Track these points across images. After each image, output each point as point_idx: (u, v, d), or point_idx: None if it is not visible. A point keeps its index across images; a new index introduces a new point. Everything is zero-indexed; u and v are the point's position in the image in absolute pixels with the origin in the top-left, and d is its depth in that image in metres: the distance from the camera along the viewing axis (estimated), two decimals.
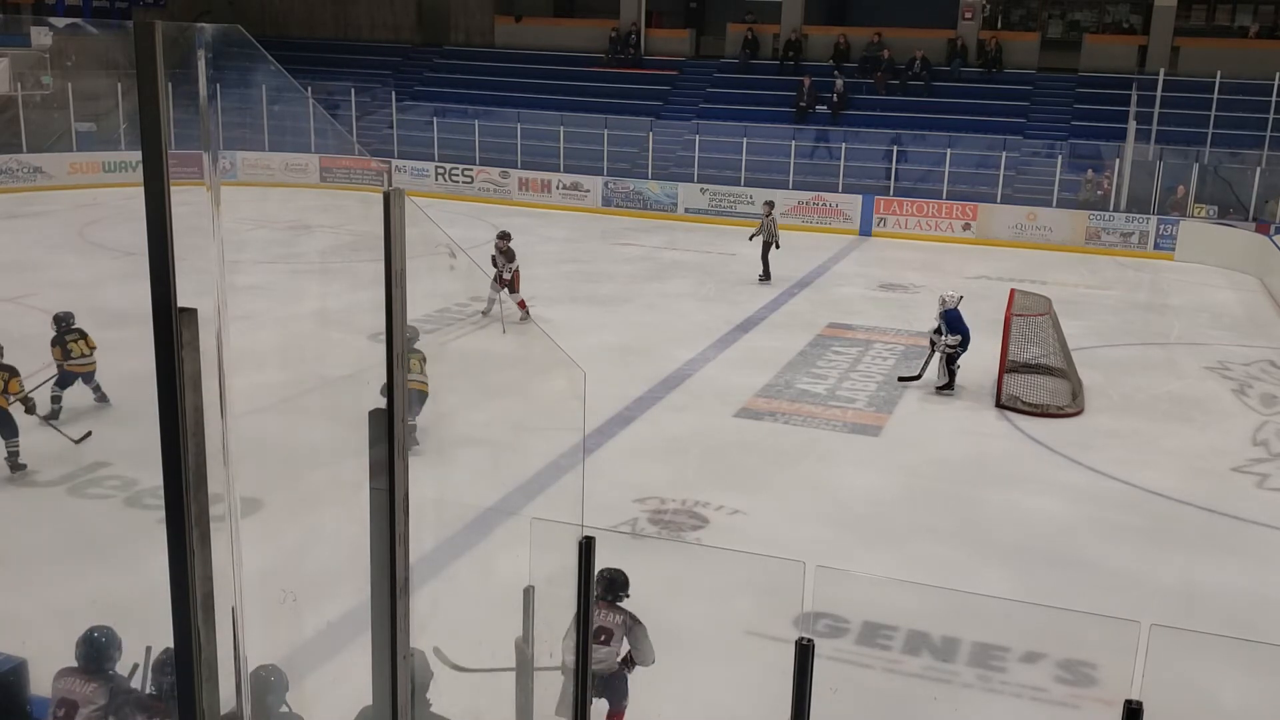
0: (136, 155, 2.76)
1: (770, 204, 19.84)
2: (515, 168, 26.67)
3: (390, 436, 2.90)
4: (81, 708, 4.85)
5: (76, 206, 22.33)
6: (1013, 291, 14.07)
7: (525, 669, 4.45)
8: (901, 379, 13.40)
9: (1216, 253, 21.70)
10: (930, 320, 13.71)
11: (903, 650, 7.54)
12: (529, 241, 21.84)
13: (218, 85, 2.97)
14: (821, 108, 26.91)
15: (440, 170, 27.05)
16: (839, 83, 26.88)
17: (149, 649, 4.88)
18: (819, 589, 7.06)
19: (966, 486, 10.51)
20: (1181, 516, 10.08)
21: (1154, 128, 23.38)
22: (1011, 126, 25.88)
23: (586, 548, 4.09)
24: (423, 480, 3.19)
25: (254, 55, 3.35)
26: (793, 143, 25.42)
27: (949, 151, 24.40)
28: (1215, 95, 23.76)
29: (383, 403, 2.94)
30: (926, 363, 13.33)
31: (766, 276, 18.87)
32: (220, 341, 3.08)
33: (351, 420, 3.22)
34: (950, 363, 13.01)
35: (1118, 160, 23.69)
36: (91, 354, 11.16)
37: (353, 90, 28.52)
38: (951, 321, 13.00)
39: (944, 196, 24.09)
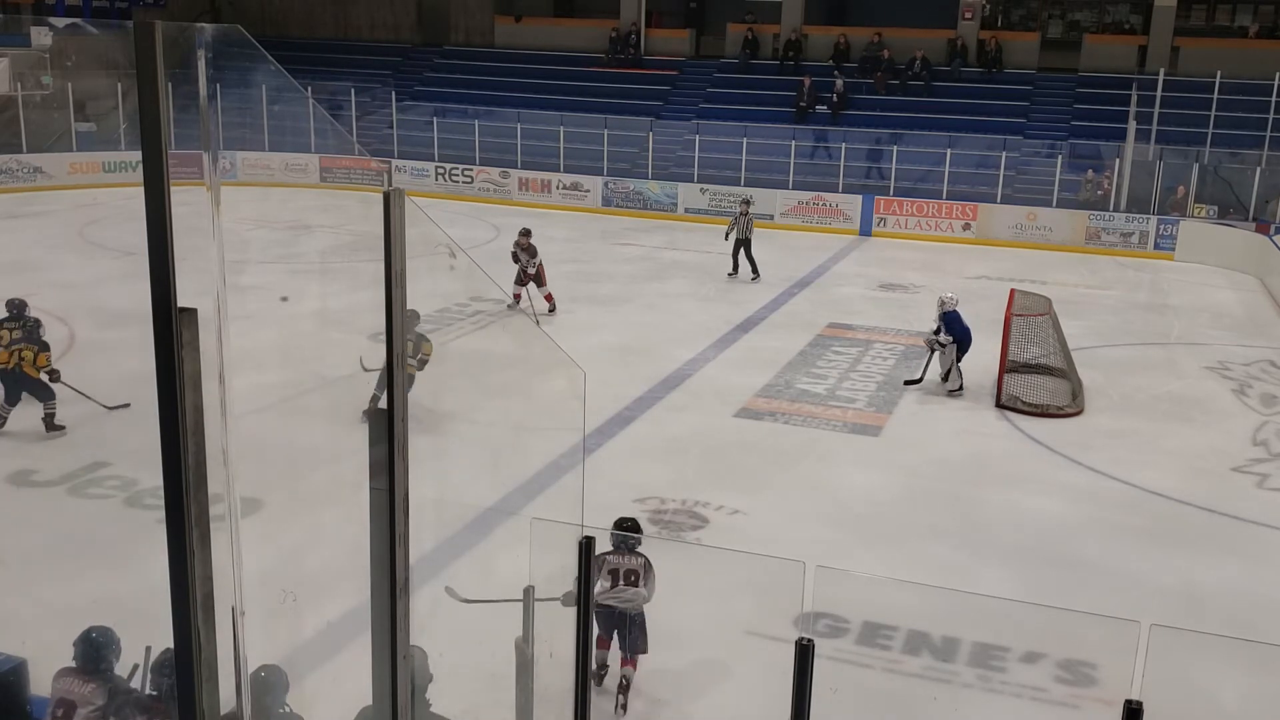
0: (136, 155, 2.76)
1: (747, 201, 19.90)
2: (515, 168, 26.67)
3: (390, 436, 2.90)
4: (80, 708, 4.85)
5: (76, 206, 22.33)
6: (1013, 291, 14.08)
7: (525, 669, 4.45)
8: (907, 383, 13.39)
9: (1216, 253, 21.70)
10: (930, 321, 13.72)
11: (903, 650, 7.54)
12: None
13: (218, 85, 2.97)
14: (821, 108, 26.91)
15: (440, 170, 27.05)
16: (839, 83, 26.88)
17: (149, 649, 4.88)
18: (819, 589, 7.06)
19: (966, 486, 10.51)
20: (1181, 516, 10.08)
21: (1154, 128, 23.37)
22: (1011, 126, 25.88)
23: (586, 548, 4.09)
24: (423, 480, 3.19)
25: (254, 55, 3.35)
26: (793, 143, 25.41)
27: (949, 151, 24.39)
28: (1215, 95, 23.75)
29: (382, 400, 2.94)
30: (927, 364, 13.33)
31: (734, 272, 19.01)
32: (220, 341, 3.08)
33: (351, 420, 3.22)
34: (956, 361, 13.00)
35: (1118, 160, 23.69)
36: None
37: (353, 90, 28.52)
38: (950, 323, 13.00)
39: (944, 196, 24.09)
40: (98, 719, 4.85)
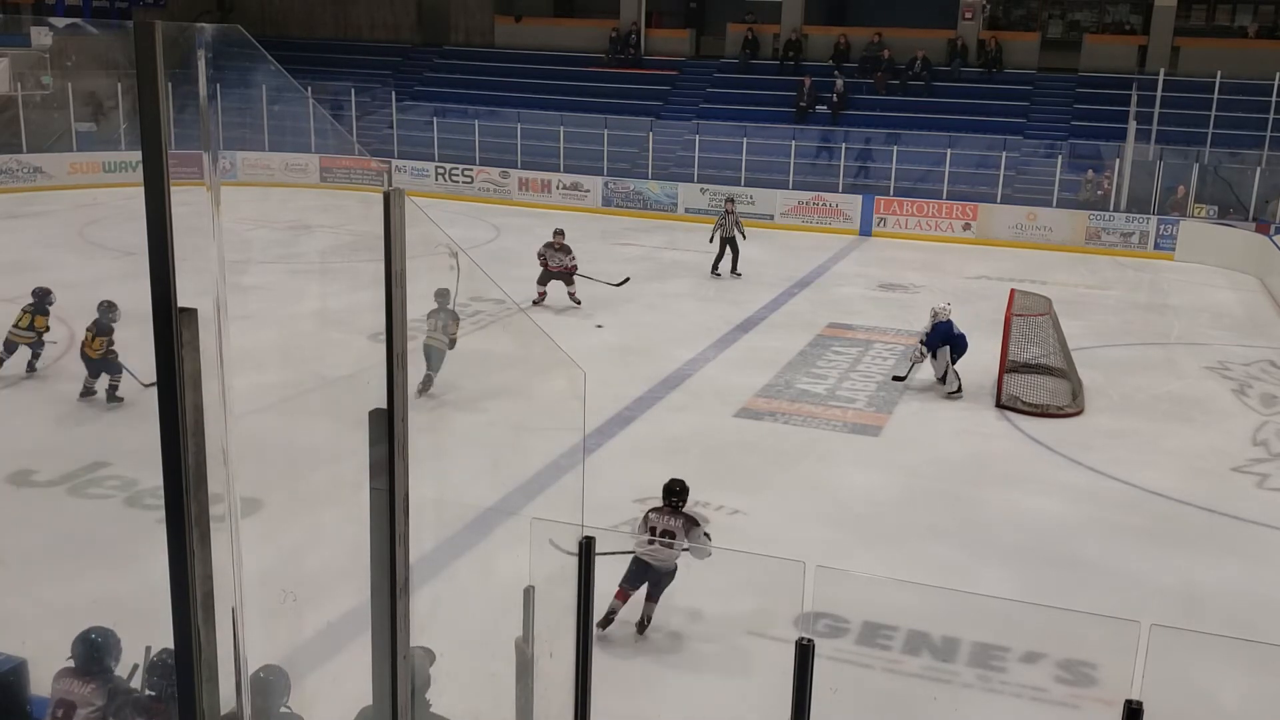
0: (136, 155, 2.76)
1: (731, 200, 20.17)
2: (515, 168, 26.67)
3: (390, 436, 2.90)
4: (80, 708, 4.85)
5: (76, 206, 22.32)
6: (1013, 291, 14.08)
7: (525, 669, 4.45)
8: (895, 378, 13.42)
9: (1216, 253, 21.70)
10: (921, 322, 13.76)
11: (903, 650, 7.54)
12: (529, 241, 21.82)
13: (218, 85, 2.97)
14: (821, 108, 26.90)
15: (440, 170, 27.05)
16: (839, 83, 26.87)
17: (149, 649, 4.88)
18: (819, 589, 7.06)
19: (966, 486, 10.51)
20: (1181, 516, 10.08)
21: (1154, 128, 23.37)
22: (1011, 126, 25.88)
23: (586, 548, 4.09)
24: (423, 480, 3.19)
25: (254, 55, 3.35)
26: (793, 143, 25.40)
27: (949, 151, 24.38)
28: (1215, 95, 23.74)
29: (382, 400, 2.94)
30: (911, 366, 13.32)
31: (715, 270, 19.18)
32: (220, 341, 3.08)
33: (351, 420, 3.22)
34: (951, 364, 13.00)
35: (1118, 160, 23.68)
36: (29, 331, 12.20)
37: (353, 90, 28.51)
38: (937, 333, 12.99)
39: (944, 196, 24.08)
40: (98, 719, 4.85)
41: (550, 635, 4.31)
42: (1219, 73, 23.84)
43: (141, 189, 2.70)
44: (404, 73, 31.39)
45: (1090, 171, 24.02)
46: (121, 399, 11.50)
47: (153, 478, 2.88)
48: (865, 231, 24.12)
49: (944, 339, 12.94)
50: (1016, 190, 24.29)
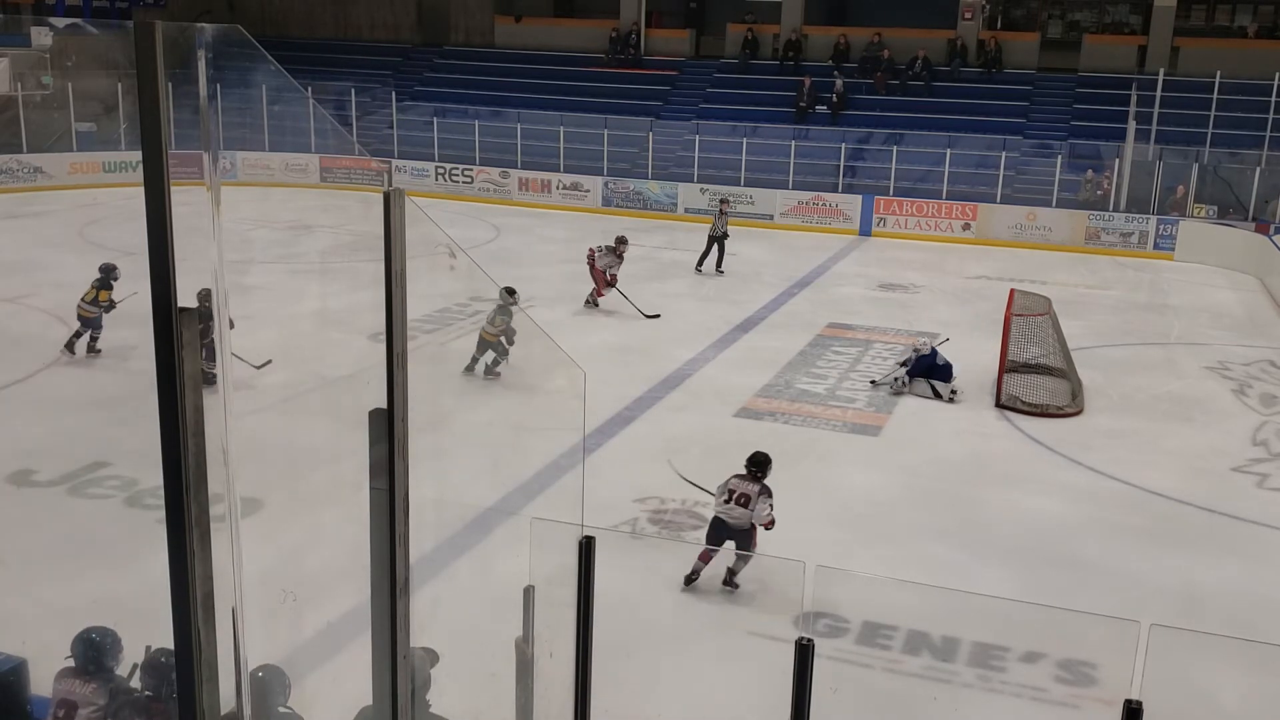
0: (136, 155, 2.76)
1: (725, 200, 20.56)
2: (515, 168, 26.67)
3: (390, 436, 2.90)
4: (81, 708, 4.85)
5: (76, 206, 22.32)
6: (1013, 291, 14.08)
7: (525, 669, 4.45)
8: (873, 382, 13.42)
9: (1216, 253, 21.70)
10: (928, 324, 13.75)
11: (903, 650, 7.54)
12: (529, 241, 21.88)
13: (218, 85, 2.97)
14: (821, 108, 26.90)
15: (440, 170, 27.05)
16: (839, 83, 26.87)
17: (149, 649, 4.88)
18: (819, 589, 7.07)
19: (966, 486, 10.51)
20: (1181, 516, 10.08)
21: (1154, 128, 23.37)
22: (1011, 126, 25.89)
23: (586, 548, 4.09)
24: (423, 480, 3.19)
25: (254, 55, 3.35)
26: (793, 143, 25.41)
27: (949, 151, 24.39)
28: (1215, 95, 23.75)
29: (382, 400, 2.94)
30: (893, 377, 13.29)
31: (699, 267, 19.42)
32: (221, 342, 3.08)
33: (351, 420, 3.22)
34: (934, 382, 13.02)
35: (1117, 160, 23.68)
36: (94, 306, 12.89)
37: (353, 90, 28.51)
38: (925, 368, 13.01)
39: (944, 196, 24.08)
40: (99, 719, 4.85)
41: (550, 635, 4.31)
42: (1219, 73, 23.84)
43: (141, 189, 2.70)
44: (404, 73, 31.39)
45: (1090, 171, 24.02)
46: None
47: (153, 478, 2.89)
48: (865, 231, 24.12)
49: (926, 371, 12.98)
50: (1016, 190, 24.30)
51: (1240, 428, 12.38)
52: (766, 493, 8.18)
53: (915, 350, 13.30)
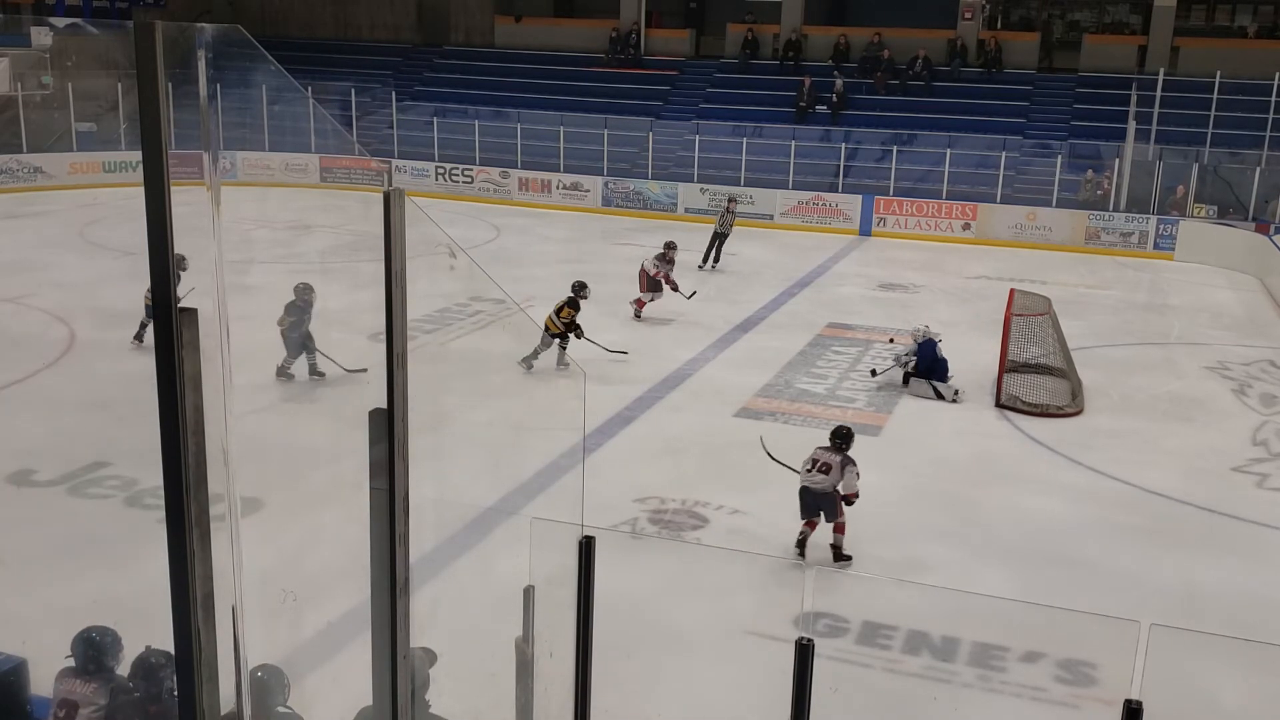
0: (136, 155, 2.76)
1: (733, 199, 20.83)
2: (515, 168, 26.67)
3: (390, 436, 2.90)
4: (82, 708, 4.85)
5: (76, 206, 22.33)
6: (1013, 291, 14.08)
7: (525, 669, 4.45)
8: (873, 372, 13.50)
9: (1216, 253, 21.70)
10: (930, 324, 13.76)
11: (903, 650, 7.54)
12: (528, 241, 21.89)
13: (218, 85, 2.97)
14: (821, 108, 26.90)
15: (440, 170, 27.05)
16: (839, 83, 26.87)
17: (149, 649, 4.87)
18: (819, 589, 7.07)
19: (966, 486, 10.51)
20: (1181, 516, 10.08)
21: (1154, 128, 23.37)
22: (1011, 126, 25.89)
23: (586, 548, 4.09)
24: (423, 480, 3.19)
25: (254, 55, 3.35)
26: (793, 143, 25.41)
27: (949, 151, 24.39)
28: (1215, 95, 23.75)
29: (382, 401, 2.94)
30: (894, 367, 13.36)
31: (704, 263, 19.57)
32: (220, 341, 3.08)
33: (351, 420, 3.22)
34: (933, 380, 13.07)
35: (1117, 160, 23.69)
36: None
37: (353, 90, 28.52)
38: (930, 358, 13.07)
39: (944, 196, 24.09)
40: (100, 719, 4.85)
41: (550, 635, 4.30)
42: (1219, 73, 23.85)
43: (141, 189, 2.70)
44: (404, 73, 31.39)
45: (1090, 171, 24.02)
46: (324, 374, 12.19)
47: (153, 478, 2.88)
48: (865, 231, 24.12)
49: (929, 365, 12.97)
50: (1016, 190, 24.30)
51: (1240, 428, 12.38)
52: (849, 463, 8.78)
53: (915, 335, 13.27)
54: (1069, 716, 7.13)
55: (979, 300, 17.97)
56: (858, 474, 8.77)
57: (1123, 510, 10.10)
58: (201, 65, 2.81)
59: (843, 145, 25.34)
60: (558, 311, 13.13)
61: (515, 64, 30.34)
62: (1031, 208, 23.60)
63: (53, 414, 11.30)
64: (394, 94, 28.91)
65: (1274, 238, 20.48)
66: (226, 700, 3.28)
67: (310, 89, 27.89)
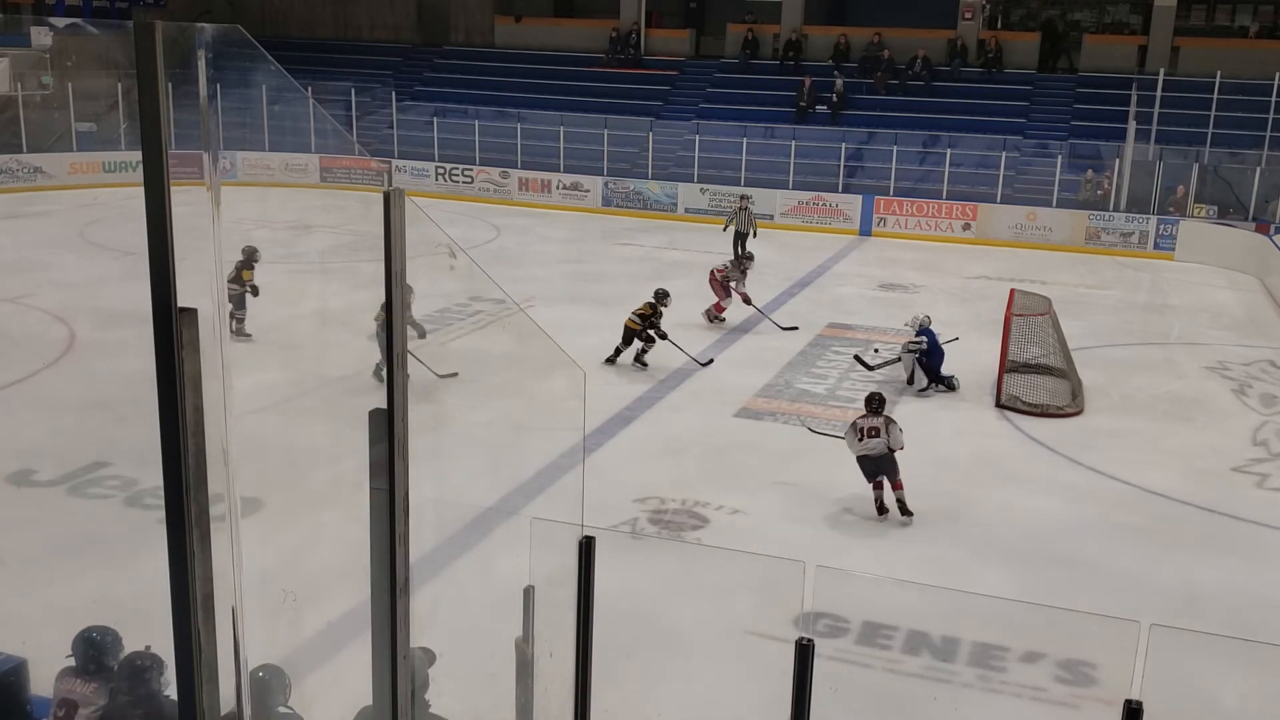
0: (136, 155, 2.76)
1: (746, 197, 20.92)
2: (515, 168, 26.67)
3: (390, 436, 2.90)
4: (82, 708, 4.85)
5: (76, 206, 22.33)
6: (1013, 291, 14.07)
7: (525, 669, 4.45)
8: (860, 360, 13.61)
9: (1216, 253, 21.70)
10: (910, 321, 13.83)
11: (903, 650, 7.54)
12: (528, 241, 21.89)
13: (218, 85, 2.97)
14: (821, 108, 26.90)
15: (440, 170, 27.05)
16: (839, 83, 26.88)
17: (148, 649, 4.87)
18: (819, 589, 7.05)
19: (966, 486, 10.51)
20: (1181, 516, 10.07)
21: (1154, 128, 23.37)
22: (1011, 126, 25.88)
23: (586, 548, 4.09)
24: (423, 480, 3.19)
25: (254, 55, 3.35)
26: (793, 143, 25.41)
27: (949, 151, 24.39)
28: (1215, 95, 23.76)
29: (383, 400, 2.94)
30: (890, 364, 13.39)
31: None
32: (220, 341, 3.08)
33: (351, 420, 3.22)
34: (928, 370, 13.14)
35: (1118, 160, 23.69)
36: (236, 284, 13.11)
37: (353, 90, 28.52)
38: (935, 344, 13.17)
39: (944, 196, 24.09)
40: (99, 719, 4.85)
41: (550, 635, 4.30)
42: (1219, 73, 23.85)
43: (141, 189, 2.70)
44: (404, 73, 31.39)
45: (1090, 171, 24.02)
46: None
47: (153, 478, 2.88)
48: (865, 231, 24.12)
49: (934, 348, 13.03)
50: (1016, 190, 24.29)
51: (1240, 428, 12.38)
52: (891, 421, 9.66)
53: (919, 322, 13.33)
54: (1069, 717, 7.12)
55: (979, 300, 17.97)
56: (900, 429, 9.61)
57: (1123, 510, 10.10)
58: (201, 65, 2.81)
59: (843, 145, 25.34)
60: (641, 316, 13.52)
61: (515, 64, 30.34)
62: (1031, 208, 23.60)
63: (53, 414, 11.30)
64: (394, 94, 28.91)
65: (1274, 238, 20.48)
66: (226, 701, 3.28)
67: (310, 89, 27.90)
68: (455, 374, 11.83)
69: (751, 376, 13.45)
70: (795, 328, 15.73)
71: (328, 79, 28.49)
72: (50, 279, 16.33)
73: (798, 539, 9.00)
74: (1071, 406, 12.68)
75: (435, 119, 27.96)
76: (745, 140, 25.51)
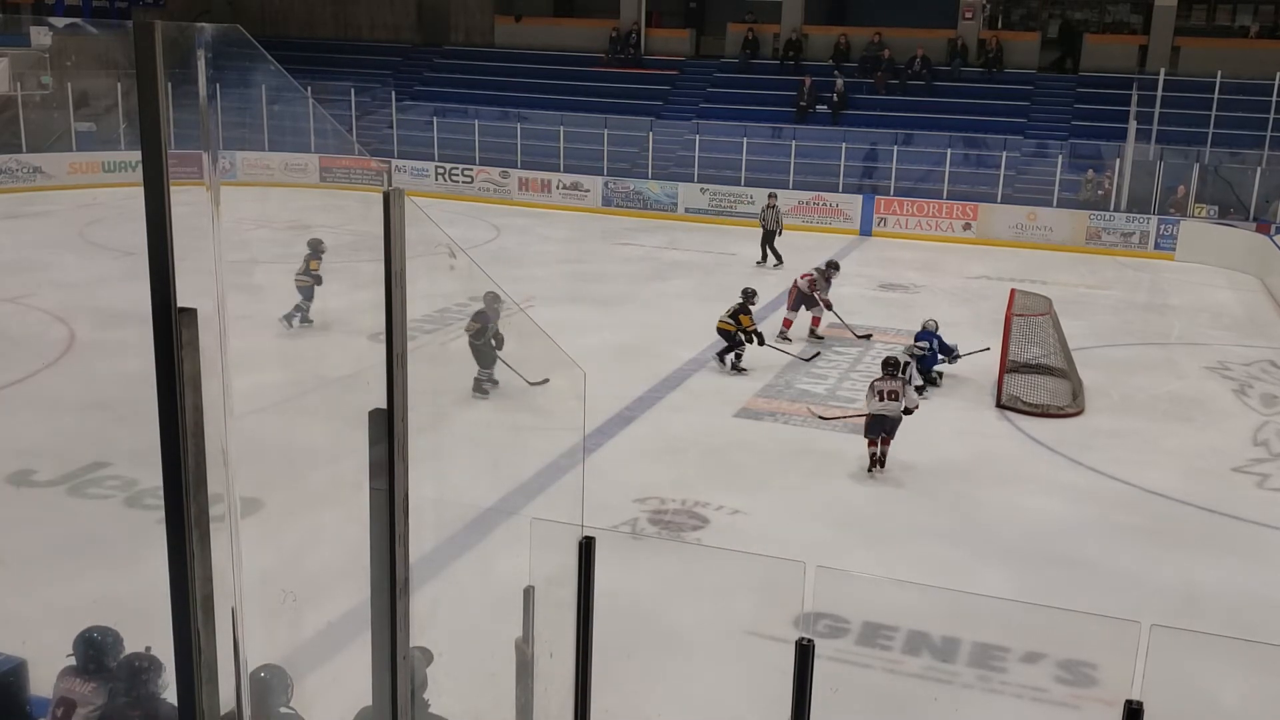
0: (136, 155, 2.76)
1: (773, 195, 21.11)
2: (515, 168, 26.67)
3: (390, 436, 2.90)
4: (80, 708, 4.85)
5: (76, 206, 22.32)
6: (1013, 291, 14.07)
7: (525, 669, 4.45)
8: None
9: (1217, 253, 21.69)
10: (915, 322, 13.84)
11: (903, 650, 7.54)
12: (528, 241, 21.89)
13: (217, 85, 2.96)
14: (821, 108, 26.90)
15: (440, 170, 27.05)
16: (839, 83, 26.87)
17: (148, 649, 4.87)
18: (819, 589, 7.05)
19: (966, 486, 10.51)
20: (1181, 516, 10.07)
21: (1154, 128, 23.36)
22: (1012, 126, 25.88)
23: (586, 548, 4.09)
24: (423, 480, 3.19)
25: (254, 55, 3.34)
26: (793, 143, 25.41)
27: (949, 151, 24.39)
28: (1215, 95, 23.75)
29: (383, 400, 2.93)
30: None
31: (778, 260, 20.02)
32: (220, 341, 3.07)
33: (351, 420, 3.22)
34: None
35: (1118, 160, 23.68)
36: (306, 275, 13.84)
37: (353, 90, 28.52)
38: (943, 345, 13.22)
39: (944, 196, 24.08)
40: (97, 719, 4.85)
41: (550, 635, 4.30)
42: (1219, 73, 23.84)
43: (141, 189, 2.70)
44: (404, 73, 31.38)
45: (1090, 171, 24.01)
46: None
47: (153, 478, 2.88)
48: (865, 231, 24.12)
49: (932, 356, 13.08)
50: (1017, 190, 24.29)
51: (1240, 428, 12.38)
52: (908, 382, 10.39)
53: (930, 326, 13.37)
54: (1069, 717, 7.12)
55: (979, 300, 17.96)
56: (915, 389, 10.55)
57: (1123, 510, 10.10)
58: (201, 65, 2.81)
59: (843, 145, 25.33)
60: (733, 315, 13.61)
61: (515, 64, 30.33)
62: (1032, 208, 23.59)
63: (53, 414, 11.30)
64: (394, 94, 28.91)
65: (1275, 238, 20.48)
66: (226, 701, 3.28)
67: (310, 89, 27.89)
68: (547, 380, 11.60)
69: (752, 376, 13.45)
70: (870, 335, 15.47)
71: (328, 79, 28.48)
72: (50, 279, 16.33)
73: (798, 539, 9.00)
74: (1072, 406, 12.68)
75: (435, 119, 27.96)
76: (745, 140, 25.51)
